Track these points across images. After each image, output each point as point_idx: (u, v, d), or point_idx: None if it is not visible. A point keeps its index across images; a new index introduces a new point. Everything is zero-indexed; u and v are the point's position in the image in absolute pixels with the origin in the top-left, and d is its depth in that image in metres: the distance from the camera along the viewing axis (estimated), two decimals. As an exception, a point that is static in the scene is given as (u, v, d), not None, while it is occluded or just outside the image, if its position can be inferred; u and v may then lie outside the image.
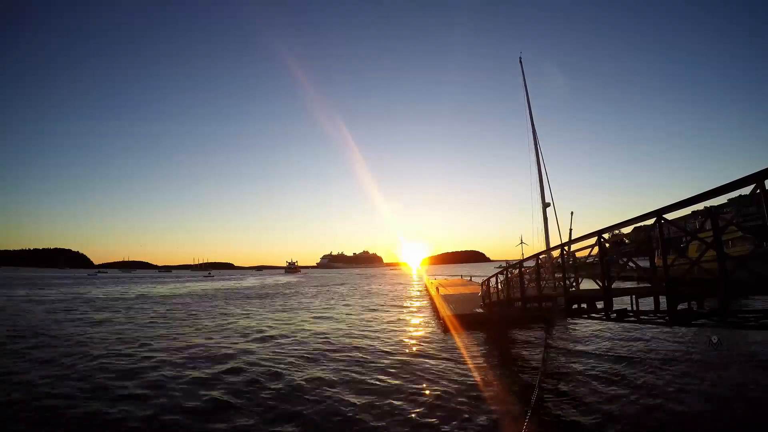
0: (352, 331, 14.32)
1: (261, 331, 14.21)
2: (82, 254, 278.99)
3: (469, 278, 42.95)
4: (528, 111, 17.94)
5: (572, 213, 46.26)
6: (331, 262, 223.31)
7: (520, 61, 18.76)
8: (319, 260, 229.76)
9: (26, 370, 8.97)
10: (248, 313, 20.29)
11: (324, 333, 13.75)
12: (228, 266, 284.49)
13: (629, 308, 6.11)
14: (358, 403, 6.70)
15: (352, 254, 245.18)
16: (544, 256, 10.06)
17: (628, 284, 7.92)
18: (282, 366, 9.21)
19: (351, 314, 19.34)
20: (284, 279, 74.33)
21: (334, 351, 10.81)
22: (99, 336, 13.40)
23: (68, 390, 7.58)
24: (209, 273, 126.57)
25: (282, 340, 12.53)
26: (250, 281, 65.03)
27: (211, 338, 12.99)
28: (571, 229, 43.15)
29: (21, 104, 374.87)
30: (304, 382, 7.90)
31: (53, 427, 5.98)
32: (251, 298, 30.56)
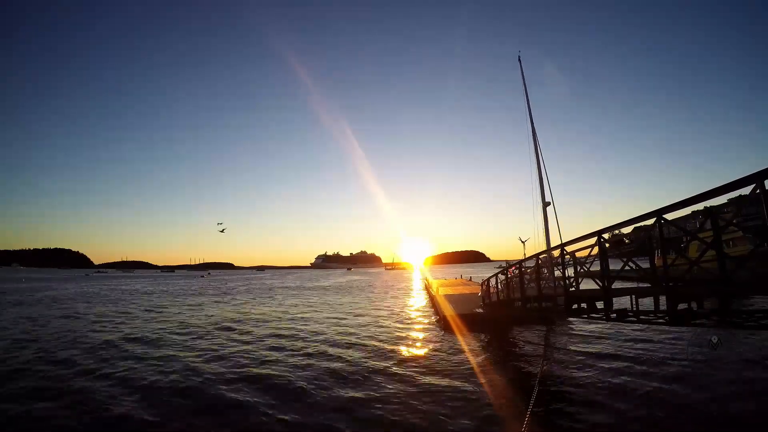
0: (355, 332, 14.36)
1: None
2: (83, 254, 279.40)
3: (469, 278, 43.03)
4: (528, 110, 17.93)
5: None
6: (326, 262, 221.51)
7: (519, 60, 18.75)
8: (313, 260, 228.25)
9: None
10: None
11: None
12: (228, 266, 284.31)
13: (629, 308, 6.11)
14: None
15: (348, 254, 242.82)
16: (544, 255, 10.04)
17: (628, 284, 7.92)
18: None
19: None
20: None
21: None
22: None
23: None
24: (208, 273, 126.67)
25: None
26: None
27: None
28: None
29: (22, 104, 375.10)
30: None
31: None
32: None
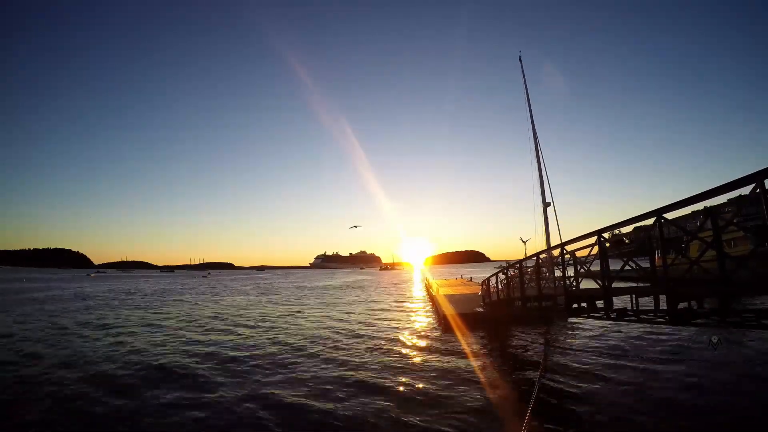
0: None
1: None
2: (83, 254, 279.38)
3: (469, 278, 43.03)
4: (528, 110, 17.90)
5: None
6: (325, 262, 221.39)
7: (520, 60, 18.70)
8: (312, 260, 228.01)
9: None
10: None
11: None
12: (228, 266, 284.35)
13: (629, 307, 6.11)
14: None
15: (348, 254, 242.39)
16: (544, 255, 10.04)
17: (628, 284, 7.92)
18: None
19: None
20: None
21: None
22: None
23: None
24: (209, 273, 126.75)
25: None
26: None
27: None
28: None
29: (22, 104, 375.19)
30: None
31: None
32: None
